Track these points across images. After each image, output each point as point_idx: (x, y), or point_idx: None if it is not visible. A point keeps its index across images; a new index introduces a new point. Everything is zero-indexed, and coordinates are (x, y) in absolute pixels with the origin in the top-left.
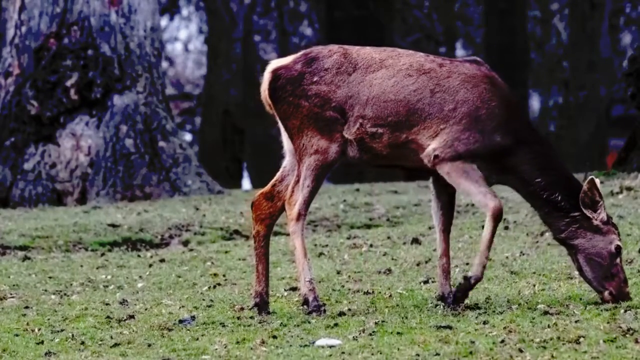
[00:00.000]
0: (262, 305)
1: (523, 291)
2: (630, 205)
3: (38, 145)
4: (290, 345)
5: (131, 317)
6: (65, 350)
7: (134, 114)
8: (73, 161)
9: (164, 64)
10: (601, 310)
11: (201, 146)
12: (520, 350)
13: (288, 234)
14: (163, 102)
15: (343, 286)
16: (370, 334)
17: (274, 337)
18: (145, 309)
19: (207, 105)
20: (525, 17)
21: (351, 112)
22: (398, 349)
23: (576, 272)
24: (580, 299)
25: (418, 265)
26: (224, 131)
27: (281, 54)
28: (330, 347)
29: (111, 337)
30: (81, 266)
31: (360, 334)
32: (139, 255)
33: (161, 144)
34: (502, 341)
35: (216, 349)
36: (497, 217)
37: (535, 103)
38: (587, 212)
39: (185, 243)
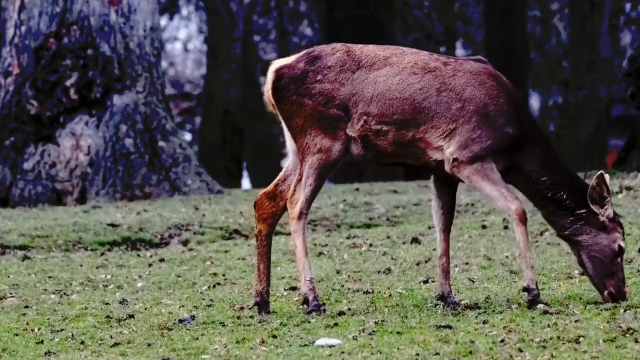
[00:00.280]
0: (262, 304)
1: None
2: (630, 205)
3: (38, 145)
4: (290, 345)
5: (131, 317)
6: (65, 350)
7: (134, 114)
8: (73, 161)
9: (164, 64)
10: (601, 310)
11: (201, 146)
12: (520, 350)
13: (288, 234)
14: (163, 102)
15: (343, 286)
16: (370, 334)
17: (274, 337)
18: (145, 309)
19: (207, 105)
20: (525, 17)
21: (355, 109)
22: (398, 349)
23: (576, 272)
24: (580, 298)
25: (418, 265)
26: (224, 131)
27: (281, 54)
28: (330, 347)
29: (111, 337)
30: (81, 266)
31: (360, 334)
32: (139, 255)
33: (161, 144)
34: (502, 341)
35: (216, 349)
36: (523, 219)
37: (535, 103)
38: (595, 208)
39: (185, 243)
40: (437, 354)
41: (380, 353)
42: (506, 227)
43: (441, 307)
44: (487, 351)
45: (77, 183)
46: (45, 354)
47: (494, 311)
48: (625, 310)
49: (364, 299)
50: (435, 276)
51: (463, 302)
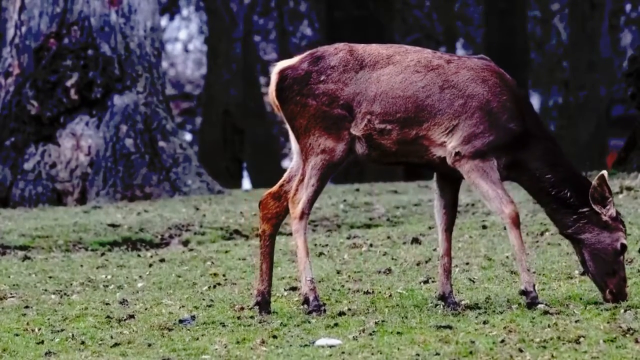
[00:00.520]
0: (263, 304)
1: None
2: (630, 205)
3: (38, 145)
4: (290, 345)
5: (131, 317)
6: (65, 350)
7: (134, 114)
8: (73, 161)
9: (164, 64)
10: (601, 310)
11: (201, 146)
12: (520, 350)
13: (288, 234)
14: (163, 102)
15: (343, 286)
16: (370, 334)
17: (274, 337)
18: (145, 309)
19: (207, 105)
20: (525, 17)
21: (359, 108)
22: (398, 349)
23: (576, 272)
24: (580, 298)
25: (418, 265)
26: (224, 131)
27: (281, 54)
28: (330, 347)
29: (111, 337)
30: (81, 266)
31: (360, 334)
32: (139, 255)
33: (161, 144)
34: (502, 341)
35: (216, 349)
36: (516, 222)
37: (535, 103)
38: (597, 208)
39: (185, 243)
40: (437, 354)
41: (380, 353)
42: (505, 227)
43: (441, 307)
44: (487, 351)
45: (77, 183)
46: (45, 354)
47: (494, 311)
48: (625, 310)
49: (364, 299)
50: (435, 276)
51: (463, 302)
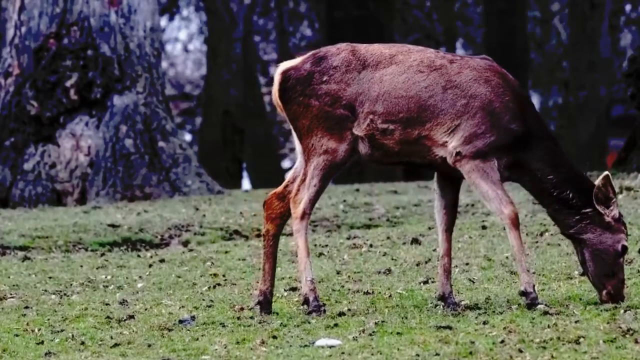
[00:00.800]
0: (264, 304)
1: None
2: (630, 205)
3: (38, 146)
4: (290, 345)
5: (131, 317)
6: (65, 350)
7: (134, 114)
8: (73, 161)
9: (164, 65)
10: (601, 310)
11: (201, 146)
12: (520, 350)
13: (288, 234)
14: (163, 102)
15: (343, 286)
16: (370, 334)
17: (274, 337)
18: (145, 309)
19: (207, 105)
20: (525, 17)
21: (361, 108)
22: (398, 349)
23: (576, 272)
24: (580, 299)
25: (418, 265)
26: (224, 131)
27: (281, 54)
28: (330, 347)
29: (111, 337)
30: (81, 266)
31: (360, 334)
32: (138, 256)
33: (161, 144)
34: (502, 341)
35: (216, 349)
36: (515, 223)
37: (535, 103)
38: (600, 208)
39: (185, 243)
40: (437, 354)
41: (380, 353)
42: (505, 228)
43: (441, 307)
44: (487, 351)
45: (77, 183)
46: (45, 354)
47: (494, 311)
48: (625, 311)
49: (364, 300)
50: (435, 276)
51: (463, 303)
